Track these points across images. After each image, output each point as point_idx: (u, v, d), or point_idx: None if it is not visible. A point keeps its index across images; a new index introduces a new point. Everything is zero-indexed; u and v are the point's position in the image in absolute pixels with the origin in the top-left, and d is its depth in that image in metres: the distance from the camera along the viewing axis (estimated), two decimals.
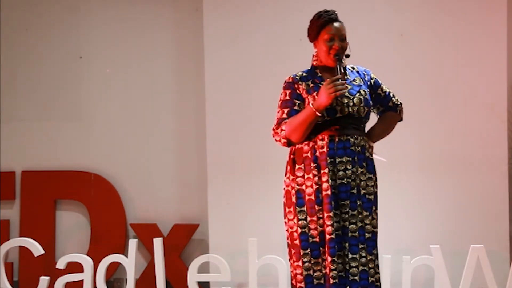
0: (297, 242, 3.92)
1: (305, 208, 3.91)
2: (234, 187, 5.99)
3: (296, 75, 4.02)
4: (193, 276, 5.67)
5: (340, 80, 3.82)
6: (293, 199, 3.94)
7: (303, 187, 3.93)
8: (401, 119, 4.19)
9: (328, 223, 3.85)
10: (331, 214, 3.84)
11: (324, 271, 3.88)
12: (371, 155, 4.01)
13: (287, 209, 3.98)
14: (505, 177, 5.81)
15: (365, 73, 4.08)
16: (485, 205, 5.80)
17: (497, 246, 5.71)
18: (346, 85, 3.90)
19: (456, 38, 5.84)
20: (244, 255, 5.63)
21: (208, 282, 5.92)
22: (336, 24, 3.93)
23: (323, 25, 3.93)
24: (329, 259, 3.84)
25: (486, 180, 5.81)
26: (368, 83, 4.06)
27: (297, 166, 3.96)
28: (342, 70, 3.94)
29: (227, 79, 6.00)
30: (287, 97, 4.00)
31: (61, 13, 6.45)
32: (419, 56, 5.86)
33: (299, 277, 3.93)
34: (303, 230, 3.90)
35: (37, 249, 5.72)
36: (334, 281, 3.84)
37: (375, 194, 3.98)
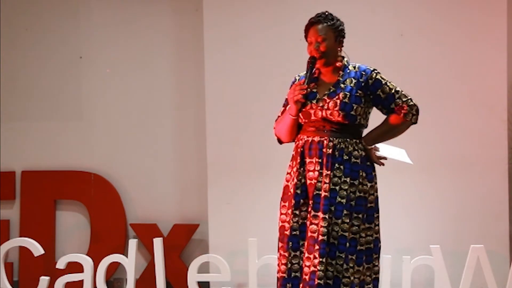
0: (278, 235, 4.04)
1: (287, 204, 4.01)
2: (234, 187, 5.99)
3: (297, 75, 4.10)
4: (193, 276, 5.67)
5: (305, 84, 3.92)
6: (281, 194, 4.06)
7: (289, 183, 4.03)
8: (409, 122, 4.06)
9: (287, 219, 3.97)
10: (289, 211, 3.96)
11: (300, 264, 3.95)
12: (355, 158, 3.93)
13: None
14: (505, 177, 5.81)
15: (363, 73, 4.00)
16: (485, 205, 5.80)
17: (497, 246, 5.71)
18: (331, 87, 3.95)
19: (456, 38, 5.84)
20: (244, 255, 5.63)
21: (208, 282, 5.92)
22: (317, 27, 3.97)
23: (306, 30, 4.02)
24: (286, 254, 3.96)
25: (486, 180, 5.80)
26: (363, 83, 3.98)
27: (288, 164, 4.05)
28: (310, 74, 3.97)
29: (227, 79, 6.00)
30: (286, 96, 4.07)
31: (61, 13, 6.45)
32: (419, 56, 5.86)
33: (277, 268, 4.03)
34: (282, 224, 4.01)
35: (37, 249, 5.72)
36: (283, 275, 3.95)
37: (354, 198, 3.90)
